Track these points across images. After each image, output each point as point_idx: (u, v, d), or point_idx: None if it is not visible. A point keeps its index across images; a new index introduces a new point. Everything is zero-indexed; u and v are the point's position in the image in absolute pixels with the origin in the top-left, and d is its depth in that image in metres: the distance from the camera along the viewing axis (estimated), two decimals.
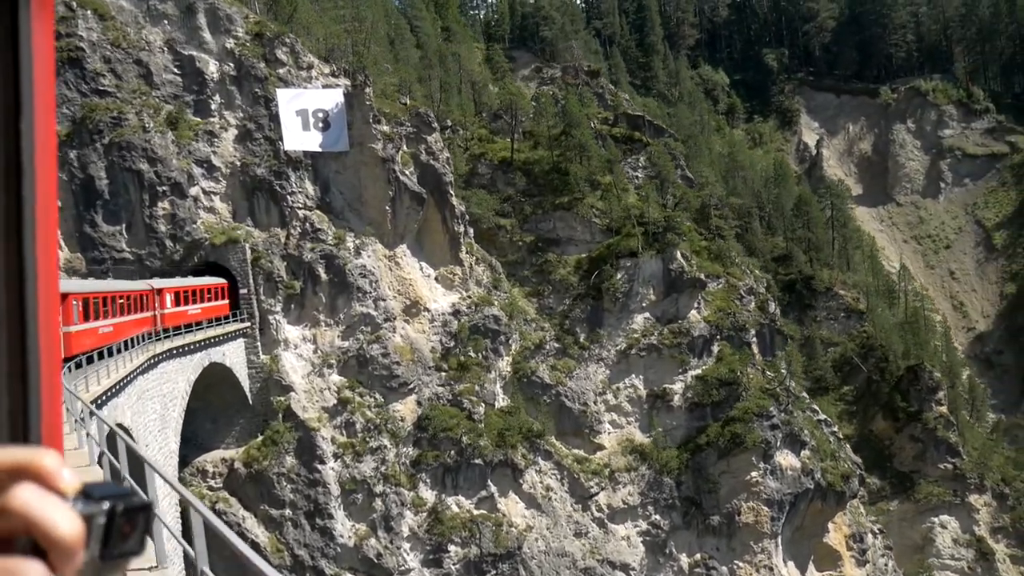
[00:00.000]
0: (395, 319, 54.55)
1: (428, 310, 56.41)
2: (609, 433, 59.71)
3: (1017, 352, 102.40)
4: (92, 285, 35.80)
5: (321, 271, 53.13)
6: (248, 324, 51.35)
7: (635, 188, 64.45)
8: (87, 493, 1.11)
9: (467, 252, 58.34)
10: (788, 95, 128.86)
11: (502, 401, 57.83)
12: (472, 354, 56.57)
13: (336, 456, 51.73)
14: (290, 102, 53.12)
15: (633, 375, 60.54)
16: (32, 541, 1.05)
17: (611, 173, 63.59)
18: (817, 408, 65.24)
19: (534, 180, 63.09)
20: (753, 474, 59.03)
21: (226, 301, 49.85)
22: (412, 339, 55.60)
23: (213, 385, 48.54)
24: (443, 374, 55.66)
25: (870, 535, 72.81)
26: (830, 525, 65.27)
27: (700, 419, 60.33)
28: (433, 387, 55.31)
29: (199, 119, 52.35)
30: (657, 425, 59.73)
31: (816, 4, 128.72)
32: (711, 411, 59.94)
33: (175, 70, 52.11)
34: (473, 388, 55.76)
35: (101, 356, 29.23)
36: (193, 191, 50.96)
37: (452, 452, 54.19)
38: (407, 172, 54.68)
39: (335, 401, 52.62)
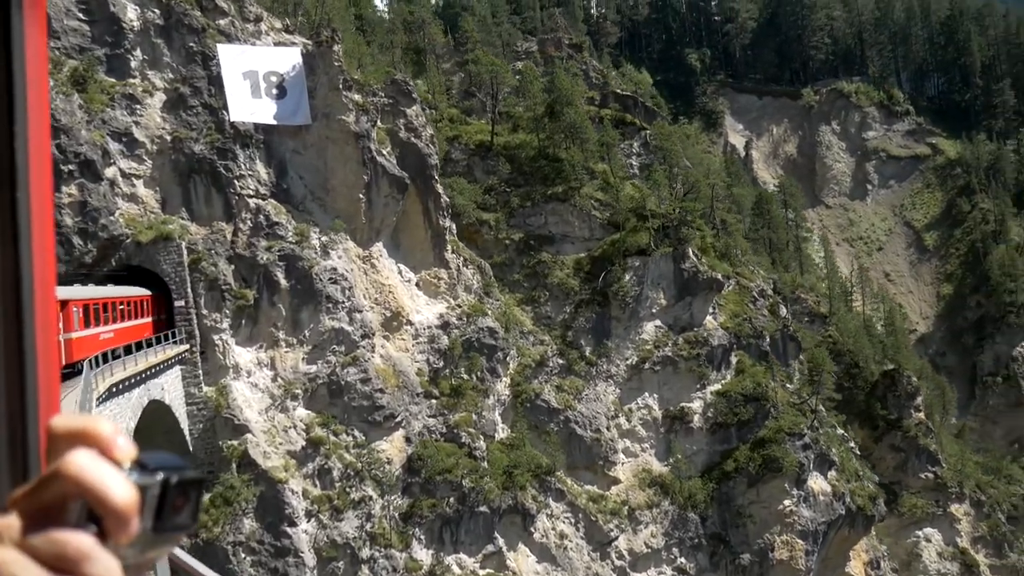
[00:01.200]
0: (374, 335, 43.30)
1: (411, 323, 45.44)
2: (623, 464, 50.41)
3: (960, 353, 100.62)
4: None
5: (280, 276, 41.31)
6: (186, 347, 38.87)
7: (630, 178, 55.75)
8: (142, 464, 1.09)
9: (453, 252, 47.82)
10: (711, 96, 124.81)
11: (503, 431, 47.50)
12: (466, 376, 46.01)
13: (310, 514, 39.89)
14: (235, 61, 41.22)
15: (646, 393, 51.59)
16: (87, 507, 1.03)
17: (605, 160, 54.66)
18: (835, 423, 58.31)
19: (519, 167, 53.32)
20: (786, 503, 51.21)
21: (151, 319, 37.32)
22: (394, 359, 44.47)
23: (139, 430, 35.93)
24: (434, 401, 44.80)
25: (883, 560, 66.85)
26: (851, 553, 58.46)
27: (724, 442, 52.04)
28: (423, 418, 44.33)
29: (114, 80, 39.59)
30: (676, 451, 50.96)
31: (736, 4, 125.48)
32: (736, 432, 51.76)
33: (80, 15, 39.16)
34: (470, 417, 45.18)
35: None
36: (109, 172, 38.07)
37: (451, 499, 43.38)
38: (384, 152, 43.78)
39: (304, 443, 40.82)
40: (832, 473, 54.06)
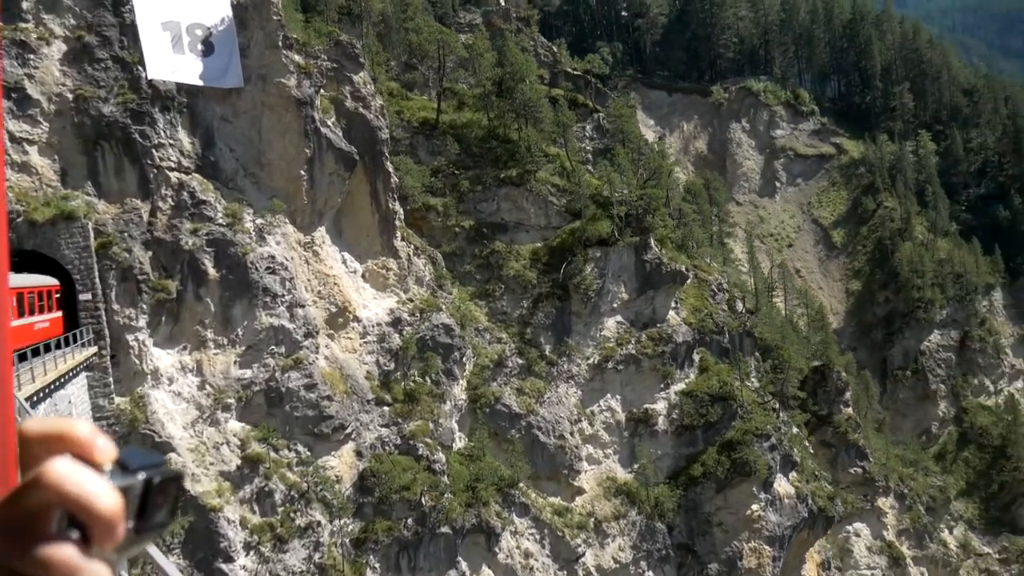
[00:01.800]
0: (317, 334, 37.38)
1: (358, 319, 39.68)
2: (587, 472, 46.24)
3: (869, 348, 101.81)
4: None
5: (207, 265, 34.82)
6: (94, 350, 31.92)
7: (583, 163, 51.71)
8: (122, 464, 1.06)
9: (403, 239, 42.36)
10: (623, 91, 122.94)
11: (460, 440, 42.41)
12: (420, 379, 40.66)
13: (249, 547, 33.62)
14: (153, 8, 34.52)
15: (609, 395, 47.61)
16: (69, 514, 1.00)
17: (558, 143, 50.42)
18: (793, 422, 56.09)
19: (467, 148, 48.29)
20: (754, 507, 48.36)
21: (53, 315, 30.32)
22: (341, 361, 38.64)
23: None
24: (387, 409, 39.22)
25: (832, 560, 65.48)
26: (806, 555, 56.42)
27: (690, 445, 48.71)
28: (375, 428, 38.69)
29: (2, 24, 32.12)
30: (641, 456, 47.23)
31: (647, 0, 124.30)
32: (703, 434, 48.51)
33: None
34: (427, 426, 39.88)
35: None
36: None
37: (409, 520, 37.99)
38: (329, 123, 37.93)
39: (239, 462, 34.50)
40: (793, 474, 51.70)
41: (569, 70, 57.00)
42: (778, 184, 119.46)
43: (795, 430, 54.99)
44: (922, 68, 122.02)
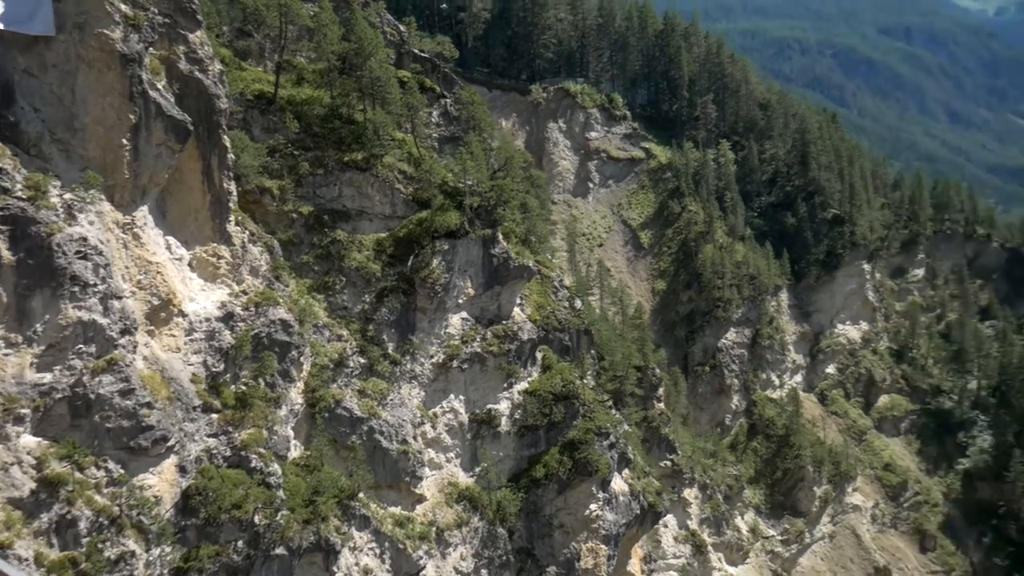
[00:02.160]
0: (136, 330, 32.16)
1: (184, 314, 34.67)
2: (429, 478, 43.80)
3: (673, 345, 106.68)
4: None
5: (1, 246, 28.80)
6: None
7: (430, 150, 49.05)
8: None
9: (237, 224, 37.67)
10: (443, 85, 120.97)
11: (296, 449, 38.50)
12: (253, 381, 36.35)
13: None
14: None
15: (452, 396, 45.40)
16: None
17: (404, 128, 47.38)
18: (625, 420, 56.64)
19: (308, 127, 44.06)
20: (592, 507, 48.18)
21: None
22: (163, 362, 33.53)
23: None
24: (215, 416, 34.59)
25: (653, 552, 67.09)
26: (632, 551, 57.34)
27: (532, 446, 47.66)
28: (202, 439, 33.96)
29: None
30: (484, 459, 45.53)
31: None
32: (545, 434, 47.62)
33: None
34: (261, 435, 35.67)
35: None
36: None
37: (240, 543, 33.73)
38: (160, 86, 32.68)
39: (34, 485, 28.79)
40: (627, 471, 52.16)
41: (417, 52, 54.10)
42: (591, 185, 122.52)
43: (626, 427, 55.51)
44: (724, 82, 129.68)
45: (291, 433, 37.87)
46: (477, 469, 45.28)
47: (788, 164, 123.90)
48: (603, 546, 48.05)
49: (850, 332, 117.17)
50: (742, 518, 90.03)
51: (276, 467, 35.26)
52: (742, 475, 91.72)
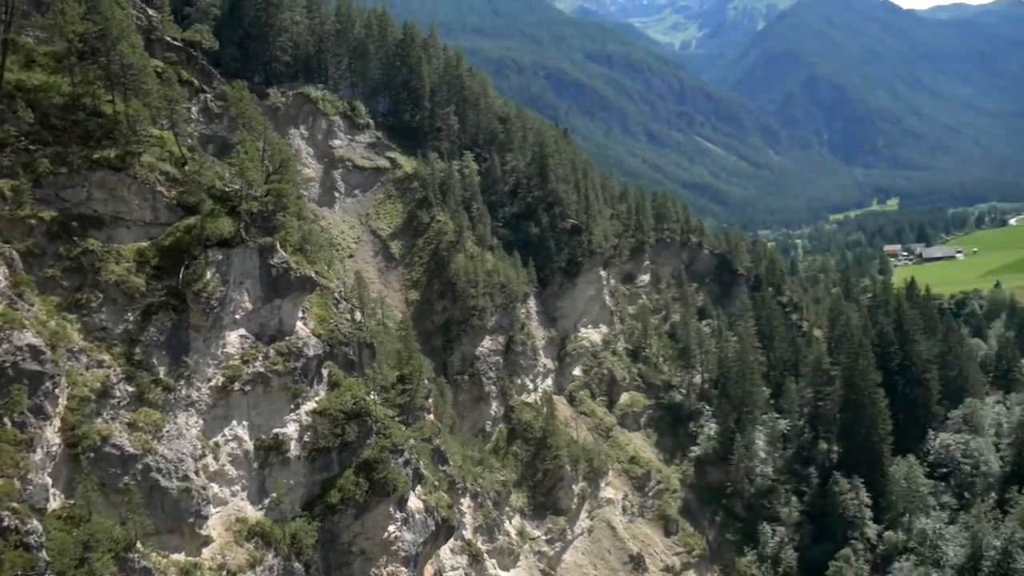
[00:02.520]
0: None
1: None
2: (214, 515, 38.74)
3: (431, 355, 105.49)
4: None
5: None
6: None
7: (191, 150, 43.83)
8: None
9: None
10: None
11: (57, 499, 32.03)
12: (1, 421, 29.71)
13: None
14: None
15: (235, 422, 40.61)
16: None
17: (160, 123, 41.81)
18: (413, 435, 54.47)
19: (44, 119, 37.22)
20: (391, 529, 45.65)
21: None
22: None
23: None
24: None
25: (442, 567, 65.13)
26: (424, 569, 55.33)
27: (325, 469, 44.02)
28: None
29: None
30: (274, 489, 41.31)
31: None
32: (338, 456, 44.29)
33: None
34: (12, 486, 29.15)
35: None
36: None
37: None
38: None
39: None
40: (419, 487, 50.23)
41: (170, 39, 48.03)
42: (337, 194, 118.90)
43: (412, 441, 53.51)
44: (464, 94, 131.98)
45: (49, 480, 31.47)
46: (267, 500, 40.94)
47: (528, 176, 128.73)
48: (403, 568, 45.67)
49: (592, 335, 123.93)
50: (510, 522, 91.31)
51: (35, 523, 28.97)
52: (508, 480, 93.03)
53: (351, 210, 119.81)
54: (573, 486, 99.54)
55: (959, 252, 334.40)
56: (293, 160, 47.74)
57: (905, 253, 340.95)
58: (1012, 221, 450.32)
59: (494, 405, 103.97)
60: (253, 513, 40.20)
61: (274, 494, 40.70)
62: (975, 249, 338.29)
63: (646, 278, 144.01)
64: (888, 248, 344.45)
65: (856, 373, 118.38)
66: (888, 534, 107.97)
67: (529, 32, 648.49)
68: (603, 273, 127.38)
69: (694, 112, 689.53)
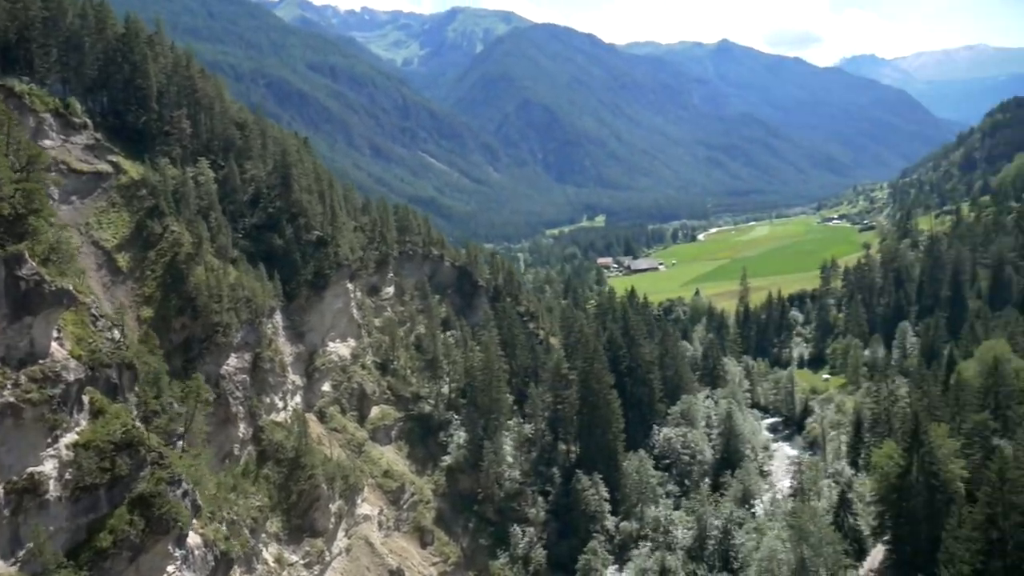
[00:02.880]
0: None
1: None
2: None
3: (171, 377, 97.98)
4: None
5: None
6: None
7: None
8: None
9: None
10: None
11: None
12: None
13: None
14: None
15: None
16: None
17: None
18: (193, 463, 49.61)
19: None
20: (170, 570, 41.24)
21: None
22: None
23: None
24: None
25: None
26: None
27: (92, 509, 38.65)
28: None
29: None
30: (30, 537, 35.55)
31: None
32: (107, 493, 39.15)
33: None
34: None
35: None
36: None
37: None
38: None
39: None
40: (195, 520, 45.93)
41: None
42: (51, 201, 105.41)
43: (184, 472, 48.82)
44: (196, 97, 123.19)
45: None
46: (22, 552, 35.06)
47: (270, 186, 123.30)
48: None
49: (340, 349, 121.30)
50: (267, 550, 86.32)
51: None
52: (264, 505, 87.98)
53: (68, 218, 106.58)
54: (330, 505, 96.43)
55: (661, 264, 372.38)
56: (45, 156, 41.44)
57: (615, 265, 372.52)
58: (700, 236, 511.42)
59: (242, 427, 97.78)
60: (5, 569, 34.22)
61: (31, 544, 34.96)
62: (674, 261, 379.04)
63: (391, 290, 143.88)
64: (601, 261, 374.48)
65: (592, 376, 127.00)
66: (624, 524, 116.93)
67: (248, 38, 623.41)
68: (350, 286, 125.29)
69: (417, 128, 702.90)
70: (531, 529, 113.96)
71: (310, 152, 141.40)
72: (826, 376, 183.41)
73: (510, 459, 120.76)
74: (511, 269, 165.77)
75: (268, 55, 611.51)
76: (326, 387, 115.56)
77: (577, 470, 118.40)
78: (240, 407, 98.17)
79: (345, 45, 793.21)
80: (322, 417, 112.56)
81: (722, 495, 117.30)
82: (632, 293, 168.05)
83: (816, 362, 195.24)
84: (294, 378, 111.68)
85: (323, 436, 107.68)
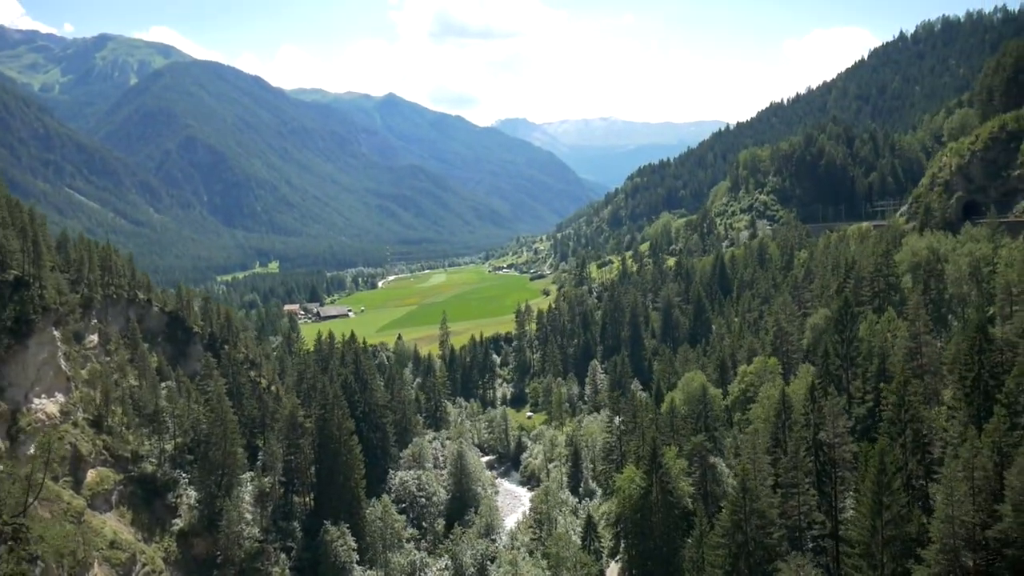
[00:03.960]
0: None
1: None
2: None
3: None
4: None
5: None
6: None
7: None
8: None
9: None
10: None
11: None
12: None
13: None
14: None
15: None
16: None
17: None
18: None
19: None
20: None
21: None
22: None
23: None
24: None
25: None
26: None
27: None
28: None
29: None
30: None
31: None
32: None
33: None
34: None
35: None
36: None
37: None
38: None
39: None
40: None
41: None
42: None
43: None
44: None
45: None
46: None
47: None
48: None
49: (48, 406, 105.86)
50: None
51: None
52: None
53: None
54: None
55: (351, 311, 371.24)
56: None
57: (302, 312, 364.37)
58: (380, 284, 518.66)
59: None
60: None
61: None
62: (362, 308, 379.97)
63: (95, 338, 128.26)
64: (288, 307, 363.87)
65: (331, 423, 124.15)
66: (369, 573, 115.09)
67: None
68: (56, 333, 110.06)
69: (63, 162, 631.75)
70: None
71: (1, 184, 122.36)
72: (529, 413, 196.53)
73: (249, 516, 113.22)
74: (229, 314, 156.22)
75: None
76: (33, 450, 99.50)
77: (325, 521, 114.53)
78: None
79: None
80: (31, 485, 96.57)
81: (463, 532, 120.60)
82: (352, 337, 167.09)
83: (517, 401, 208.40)
84: None
85: (35, 507, 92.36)
